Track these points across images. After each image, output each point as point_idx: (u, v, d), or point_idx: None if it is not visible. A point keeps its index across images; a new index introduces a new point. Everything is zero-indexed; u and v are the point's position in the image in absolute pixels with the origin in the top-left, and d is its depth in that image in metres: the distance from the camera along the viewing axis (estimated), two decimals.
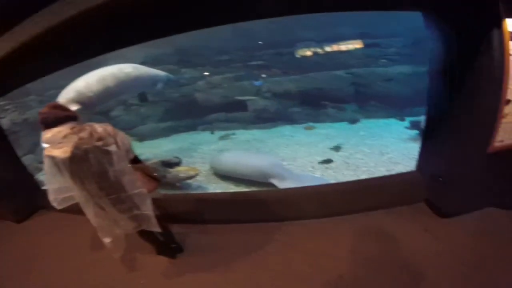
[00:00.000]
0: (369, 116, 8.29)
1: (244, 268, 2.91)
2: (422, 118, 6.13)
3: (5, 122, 10.65)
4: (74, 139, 2.30)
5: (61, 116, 2.39)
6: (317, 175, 5.13)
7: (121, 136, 2.58)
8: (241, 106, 10.30)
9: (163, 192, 5.14)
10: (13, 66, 3.56)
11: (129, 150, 2.67)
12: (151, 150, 9.41)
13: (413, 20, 3.54)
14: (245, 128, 9.99)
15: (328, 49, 9.97)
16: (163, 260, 3.33)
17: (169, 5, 2.73)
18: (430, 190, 3.13)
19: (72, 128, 2.35)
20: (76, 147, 2.28)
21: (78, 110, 5.07)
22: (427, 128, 3.17)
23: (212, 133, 10.05)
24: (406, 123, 6.62)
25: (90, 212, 2.68)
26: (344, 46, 9.65)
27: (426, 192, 3.19)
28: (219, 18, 3.48)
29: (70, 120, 2.42)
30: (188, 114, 11.31)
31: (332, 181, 4.78)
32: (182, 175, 5.53)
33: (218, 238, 3.52)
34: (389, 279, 2.36)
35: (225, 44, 11.68)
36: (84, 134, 2.33)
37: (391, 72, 8.45)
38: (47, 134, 2.36)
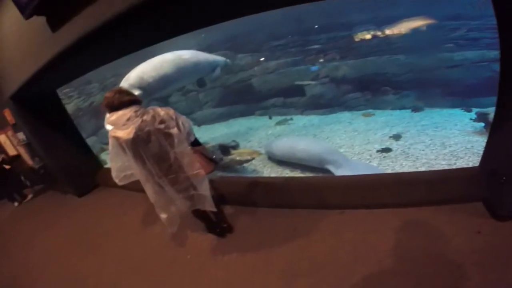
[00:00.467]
0: (432, 104, 7.81)
1: (287, 253, 3.04)
2: (490, 110, 5.81)
3: (71, 108, 11.75)
4: (138, 121, 2.53)
5: (125, 100, 2.61)
6: (373, 165, 5.07)
7: (183, 119, 2.82)
8: (299, 91, 10.28)
9: (219, 174, 5.44)
10: (78, 53, 3.83)
11: (189, 133, 2.88)
12: (209, 135, 9.88)
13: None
14: (302, 113, 9.99)
15: (388, 32, 9.55)
16: (211, 238, 3.59)
17: None
18: (488, 189, 2.94)
19: (135, 111, 2.58)
20: (139, 129, 2.52)
21: (138, 96, 5.48)
22: (495, 121, 2.90)
23: (270, 118, 10.18)
24: (473, 114, 6.22)
25: (149, 189, 2.90)
26: (405, 29, 9.18)
27: (486, 191, 3.00)
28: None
29: (134, 103, 2.65)
30: (245, 99, 11.52)
31: (389, 171, 4.76)
32: (238, 158, 5.77)
33: (267, 221, 3.68)
34: (430, 277, 2.34)
35: (279, 29, 11.68)
36: (147, 117, 2.58)
37: (456, 58, 7.84)
38: (112, 117, 2.60)
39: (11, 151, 7.86)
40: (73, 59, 4.07)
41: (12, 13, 3.70)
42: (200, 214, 3.38)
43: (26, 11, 3.47)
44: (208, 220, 3.55)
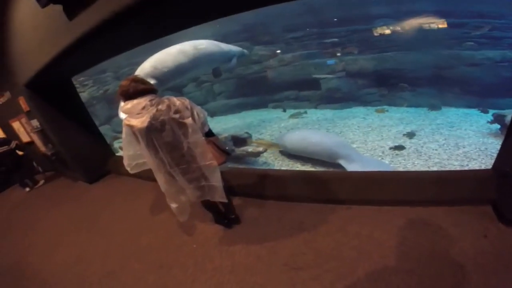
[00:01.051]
0: (448, 103, 7.70)
1: (292, 246, 3.06)
2: (507, 112, 5.71)
3: (85, 96, 11.99)
4: (153, 110, 2.54)
5: (141, 88, 2.62)
6: (385, 162, 5.05)
7: (197, 109, 2.83)
8: (314, 84, 10.21)
9: (230, 165, 5.47)
10: (94, 42, 3.88)
11: (204, 123, 2.90)
12: (221, 125, 9.95)
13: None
14: (316, 107, 9.95)
15: (408, 27, 9.37)
16: (218, 228, 3.65)
17: None
18: (498, 192, 2.91)
19: (151, 100, 2.58)
20: (154, 118, 2.53)
21: (153, 85, 5.54)
22: None
23: (284, 110, 10.18)
24: (489, 116, 6.10)
25: (160, 178, 2.93)
26: (426, 25, 8.99)
27: (496, 194, 2.96)
28: None
29: (149, 93, 2.65)
30: (259, 91, 11.52)
31: (401, 169, 4.72)
32: (251, 150, 5.79)
33: (274, 214, 3.70)
34: (432, 277, 2.34)
35: (297, 20, 11.55)
36: (162, 107, 2.58)
37: (477, 57, 7.64)
38: (127, 105, 2.61)
39: (25, 138, 8.08)
40: (89, 48, 4.12)
41: (29, 0, 3.75)
42: (209, 205, 3.41)
43: (42, 0, 3.52)
44: (216, 211, 3.59)
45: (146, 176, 5.22)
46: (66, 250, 4.17)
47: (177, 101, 2.68)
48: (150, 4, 2.89)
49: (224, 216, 3.64)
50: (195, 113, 2.78)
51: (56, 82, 6.17)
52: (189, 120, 2.68)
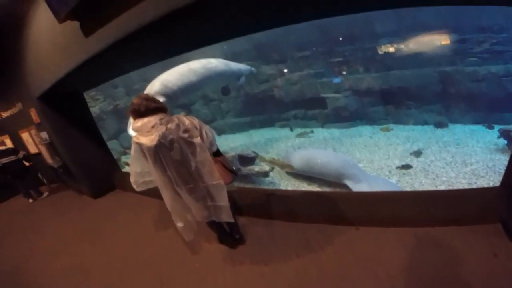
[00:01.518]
0: (454, 120, 7.72)
1: (297, 266, 3.02)
2: None
3: (95, 111, 12.12)
4: (162, 129, 2.57)
5: (152, 107, 2.67)
6: (392, 181, 5.00)
7: (206, 129, 2.86)
8: (320, 103, 10.28)
9: (236, 184, 5.51)
10: (108, 59, 4.05)
11: (212, 142, 2.92)
12: (228, 144, 10.00)
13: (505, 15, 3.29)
14: (323, 126, 9.98)
15: (412, 45, 9.46)
16: (221, 247, 3.60)
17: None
18: (507, 210, 2.87)
19: (161, 119, 2.62)
20: (163, 137, 2.56)
21: (164, 104, 5.61)
22: None
23: (291, 130, 10.21)
24: (495, 131, 6.08)
25: (167, 196, 2.93)
26: (429, 42, 9.07)
27: (505, 212, 2.92)
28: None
29: (160, 111, 2.71)
30: (267, 110, 11.61)
31: (408, 189, 4.68)
32: (257, 169, 5.78)
33: (280, 233, 3.66)
34: None
35: (305, 39, 11.70)
36: (171, 125, 2.61)
37: (480, 72, 7.68)
38: (138, 123, 2.65)
39: (32, 149, 8.21)
40: (103, 64, 4.30)
41: (48, 14, 3.86)
42: (213, 224, 3.43)
43: (60, 16, 3.65)
44: (221, 231, 3.58)
45: (151, 193, 5.26)
46: (67, 259, 4.18)
47: (186, 120, 2.73)
48: (164, 25, 3.01)
49: (229, 235, 3.61)
50: (203, 132, 2.81)
51: (68, 96, 6.31)
52: (197, 140, 2.70)
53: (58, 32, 4.26)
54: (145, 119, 2.64)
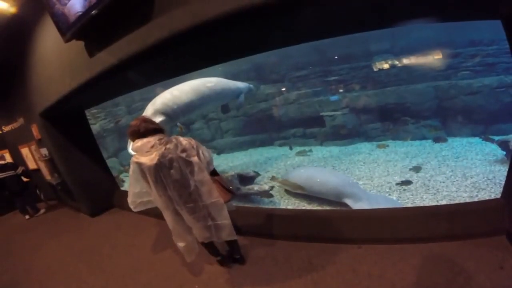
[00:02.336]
0: (452, 134, 7.75)
1: (300, 287, 2.97)
2: (511, 137, 5.67)
3: (96, 128, 12.18)
4: (162, 149, 2.70)
5: (151, 128, 2.82)
6: (393, 198, 4.94)
7: (203, 149, 3.00)
8: (319, 121, 10.32)
9: (235, 204, 5.45)
10: (111, 79, 4.16)
11: (209, 162, 3.05)
12: (228, 163, 10.02)
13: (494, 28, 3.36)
14: (322, 144, 9.99)
15: (406, 61, 9.61)
16: (222, 269, 3.55)
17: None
18: (510, 221, 2.87)
19: (160, 139, 2.75)
20: (162, 156, 2.68)
21: (163, 122, 5.66)
22: None
23: (291, 148, 10.17)
24: (493, 144, 6.11)
25: (168, 216, 3.00)
26: (423, 58, 9.21)
27: (509, 223, 2.91)
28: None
29: (158, 132, 2.85)
30: (266, 129, 11.67)
31: (409, 205, 4.63)
32: (256, 188, 5.73)
33: (282, 253, 3.62)
34: None
35: (302, 59, 11.89)
36: (170, 145, 2.74)
37: (474, 85, 7.76)
38: (137, 143, 2.77)
39: (31, 165, 8.27)
40: (106, 84, 4.40)
41: (54, 33, 3.98)
42: (210, 247, 3.45)
43: (66, 35, 3.77)
44: (217, 254, 3.58)
45: (150, 212, 5.29)
46: (64, 280, 4.13)
47: (183, 141, 2.85)
48: (166, 47, 3.12)
49: (229, 256, 3.59)
50: (200, 152, 2.94)
51: (70, 114, 6.41)
52: (195, 159, 2.83)
53: (63, 51, 4.41)
54: (145, 140, 2.76)
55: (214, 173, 3.20)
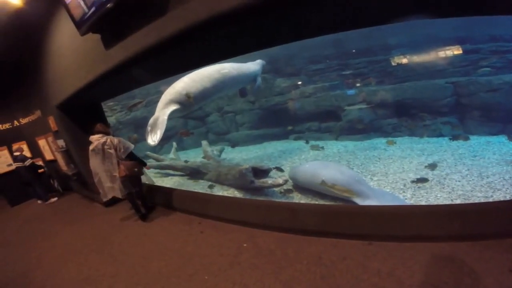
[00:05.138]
0: (470, 131, 7.62)
1: (308, 281, 2.99)
2: None
3: (112, 120, 12.66)
4: (97, 142, 5.10)
5: (98, 130, 5.24)
6: (401, 197, 4.86)
7: (121, 145, 5.18)
8: (335, 116, 10.27)
9: (249, 197, 5.66)
10: (127, 72, 4.24)
11: (123, 153, 5.20)
12: (242, 156, 10.13)
13: None
14: (337, 138, 9.95)
15: (425, 56, 9.43)
16: (232, 259, 3.63)
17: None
18: None
19: (100, 137, 5.15)
20: (97, 145, 5.10)
21: (177, 110, 5.96)
22: None
23: (307, 142, 10.12)
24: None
25: (103, 176, 5.26)
26: (442, 52, 9.02)
27: None
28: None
29: (101, 133, 5.21)
30: (281, 123, 11.68)
31: (423, 203, 4.58)
32: (270, 182, 5.74)
33: (292, 247, 3.65)
34: None
35: (318, 52, 11.80)
36: (101, 141, 5.10)
37: (494, 82, 7.57)
38: (93, 136, 5.18)
39: (48, 156, 8.60)
40: (122, 77, 4.49)
41: (70, 26, 4.08)
42: (131, 203, 5.57)
43: (82, 28, 3.86)
44: (137, 209, 5.57)
45: (162, 203, 5.82)
46: (75, 268, 4.25)
47: (108, 139, 5.13)
48: (182, 40, 3.16)
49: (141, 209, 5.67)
50: (118, 147, 5.15)
51: (86, 106, 6.58)
52: (111, 151, 5.12)
53: (79, 44, 4.51)
54: (96, 136, 5.17)
55: (133, 158, 5.39)
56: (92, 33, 3.94)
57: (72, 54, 4.92)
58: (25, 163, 8.14)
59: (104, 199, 5.52)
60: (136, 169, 5.31)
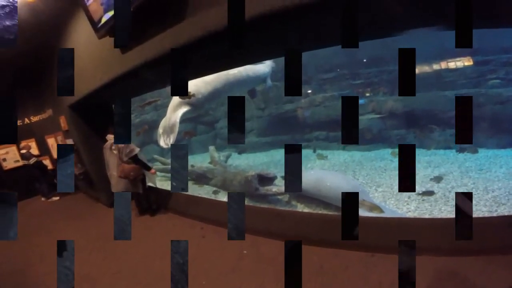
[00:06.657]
0: (478, 144, 7.52)
1: None
2: None
3: None
4: (110, 141, 5.73)
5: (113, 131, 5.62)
6: (399, 212, 4.82)
7: (126, 150, 5.46)
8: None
9: (252, 204, 5.64)
10: (142, 76, 4.31)
11: (126, 155, 5.46)
12: (248, 163, 10.17)
13: None
14: (344, 148, 9.93)
15: (436, 66, 9.40)
16: (233, 265, 3.66)
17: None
18: None
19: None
20: (107, 145, 5.77)
21: (187, 112, 6.10)
22: None
23: (314, 151, 10.12)
24: None
25: (113, 170, 5.65)
26: (452, 63, 9.00)
27: None
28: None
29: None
30: (289, 131, 11.68)
31: (427, 216, 4.54)
32: (275, 189, 5.76)
33: None
34: None
35: (329, 61, 11.80)
36: (110, 143, 5.71)
37: (504, 94, 7.54)
38: (109, 135, 5.78)
39: (56, 154, 8.50)
40: (136, 80, 4.55)
41: (88, 29, 4.21)
42: (136, 199, 5.93)
43: (100, 32, 3.97)
44: (140, 203, 5.99)
45: (166, 204, 5.92)
46: (76, 266, 4.22)
47: (118, 146, 5.46)
48: (198, 47, 3.23)
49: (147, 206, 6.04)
50: (121, 151, 5.46)
51: (98, 107, 6.67)
52: (115, 151, 5.55)
53: (95, 47, 4.62)
54: (111, 135, 5.73)
55: (137, 162, 5.59)
56: (109, 36, 4.03)
57: (88, 55, 5.02)
58: (30, 161, 8.31)
59: (113, 190, 5.73)
60: (132, 173, 5.49)
